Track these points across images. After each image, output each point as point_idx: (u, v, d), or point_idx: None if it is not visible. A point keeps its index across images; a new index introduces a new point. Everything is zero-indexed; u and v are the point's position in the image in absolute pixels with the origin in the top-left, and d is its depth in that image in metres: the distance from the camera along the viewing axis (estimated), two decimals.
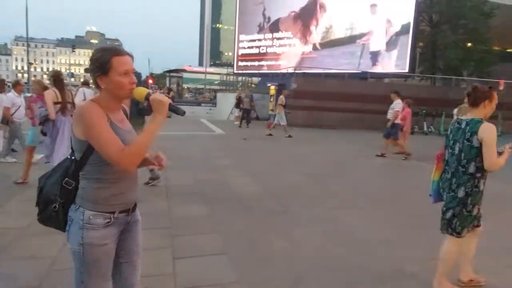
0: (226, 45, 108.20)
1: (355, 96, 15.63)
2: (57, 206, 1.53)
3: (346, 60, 20.06)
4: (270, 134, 11.76)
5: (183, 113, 1.59)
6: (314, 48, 21.96)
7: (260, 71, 24.05)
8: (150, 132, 1.47)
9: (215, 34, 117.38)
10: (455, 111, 10.89)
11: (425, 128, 15.84)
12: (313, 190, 5.33)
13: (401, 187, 5.80)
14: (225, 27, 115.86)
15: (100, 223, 1.50)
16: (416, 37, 19.39)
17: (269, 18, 23.84)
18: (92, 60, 1.50)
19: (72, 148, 1.55)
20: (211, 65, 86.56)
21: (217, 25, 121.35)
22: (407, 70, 19.00)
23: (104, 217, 1.51)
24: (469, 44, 21.34)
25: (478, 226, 2.61)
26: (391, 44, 19.49)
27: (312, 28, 21.93)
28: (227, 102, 19.56)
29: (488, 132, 2.44)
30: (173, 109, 1.56)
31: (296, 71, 18.60)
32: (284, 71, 20.27)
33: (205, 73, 54.21)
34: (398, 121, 8.34)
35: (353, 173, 6.76)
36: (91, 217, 1.49)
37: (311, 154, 8.60)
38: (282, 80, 17.73)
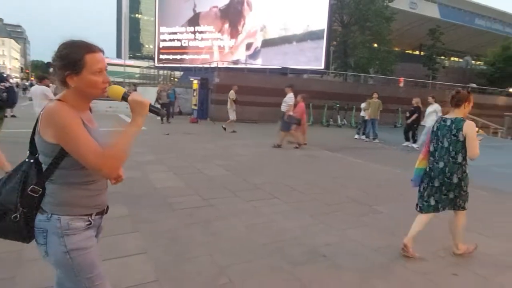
0: (146, 37, 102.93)
1: (275, 90, 16.22)
2: (18, 216, 1.36)
3: (279, 61, 20.66)
4: (234, 131, 11.74)
5: (164, 115, 1.51)
6: (248, 47, 22.20)
7: (183, 65, 23.50)
8: (131, 135, 1.39)
9: (134, 25, 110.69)
10: (363, 105, 12.02)
11: (339, 121, 17.18)
12: (234, 183, 5.42)
13: (316, 177, 6.21)
14: (145, 18, 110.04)
15: (80, 227, 1.42)
16: (330, 36, 20.88)
17: (194, 11, 23.39)
18: (60, 56, 1.36)
19: (30, 151, 1.42)
20: (130, 58, 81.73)
21: (136, 15, 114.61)
22: (322, 67, 20.37)
23: (83, 220, 1.43)
24: (375, 45, 23.68)
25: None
26: (309, 42, 20.69)
27: (240, 26, 22.16)
28: (148, 96, 18.65)
29: (470, 128, 3.00)
30: (154, 111, 1.49)
31: (218, 66, 18.54)
32: (207, 65, 20.10)
33: (124, 65, 51.07)
34: (291, 113, 8.97)
35: (272, 165, 7.04)
36: (69, 222, 1.39)
37: (233, 148, 8.72)
38: (205, 74, 17.56)
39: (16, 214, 1.36)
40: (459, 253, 3.28)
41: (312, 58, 20.53)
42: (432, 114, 9.75)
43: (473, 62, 36.10)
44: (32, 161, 1.41)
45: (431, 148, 3.23)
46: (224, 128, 11.80)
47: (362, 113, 12.08)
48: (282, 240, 3.43)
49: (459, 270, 3.00)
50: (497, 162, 8.95)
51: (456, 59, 40.85)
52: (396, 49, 30.47)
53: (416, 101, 10.94)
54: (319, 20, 20.28)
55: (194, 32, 23.50)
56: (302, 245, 3.35)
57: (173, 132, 10.75)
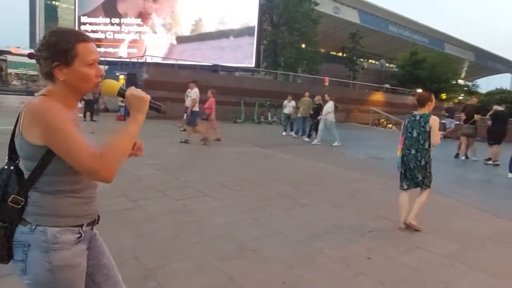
0: (65, 27, 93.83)
1: (206, 87, 16.12)
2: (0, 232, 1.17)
3: (216, 56, 20.36)
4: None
5: (165, 112, 1.34)
6: (180, 40, 21.52)
7: (107, 58, 22.04)
8: (131, 135, 1.24)
9: (51, 12, 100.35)
10: (286, 103, 12.51)
11: (270, 118, 17.70)
12: (163, 182, 5.30)
13: (246, 173, 6.36)
14: (64, 6, 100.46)
15: (70, 240, 1.22)
16: (260, 35, 21.35)
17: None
18: (47, 44, 1.18)
19: (9, 157, 1.23)
20: None
21: (53, 1, 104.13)
22: (253, 65, 20.77)
23: (73, 232, 1.23)
24: (303, 46, 24.84)
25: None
26: (240, 40, 20.93)
27: (168, 17, 21.47)
28: None
29: (435, 121, 3.87)
30: (154, 107, 1.33)
31: (147, 61, 17.79)
32: (135, 59, 19.16)
33: None
34: (196, 108, 9.06)
35: (203, 163, 7.03)
36: (57, 235, 1.19)
37: (164, 146, 8.48)
38: (132, 69, 16.73)
39: None
40: (414, 223, 3.94)
41: (244, 56, 20.80)
42: (328, 109, 10.79)
43: (387, 64, 39.89)
44: (12, 168, 1.23)
45: (404, 138, 4.05)
46: (180, 127, 11.36)
47: (285, 111, 12.57)
48: (212, 237, 3.46)
49: (372, 254, 3.33)
50: None
51: (373, 61, 44.74)
52: (322, 50, 32.30)
53: (318, 98, 11.72)
54: (250, 18, 20.62)
55: (120, 24, 22.15)
56: (232, 241, 3.42)
57: (98, 131, 10.04)
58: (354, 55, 30.78)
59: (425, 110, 3.96)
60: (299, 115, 12.35)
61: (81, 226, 1.27)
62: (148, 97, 1.30)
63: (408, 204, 3.97)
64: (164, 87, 15.12)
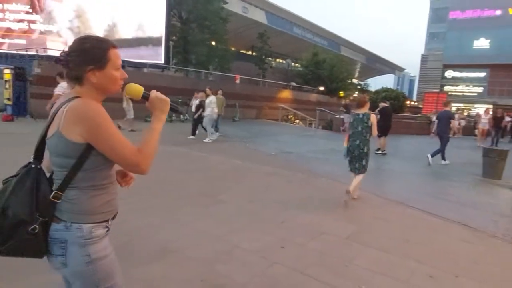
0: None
1: None
2: (37, 227, 1.25)
3: (123, 52, 18.80)
4: (133, 130, 10.34)
5: (183, 112, 1.24)
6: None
7: None
8: (158, 132, 1.41)
9: None
10: (194, 101, 12.30)
11: (182, 117, 17.36)
12: None
13: (166, 173, 6.21)
14: None
15: (101, 234, 1.37)
16: (169, 31, 20.73)
17: None
18: (80, 50, 1.30)
19: (36, 156, 1.34)
20: None
21: None
22: (163, 61, 20.10)
23: (102, 226, 1.38)
24: (214, 43, 24.89)
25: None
26: (149, 35, 20.01)
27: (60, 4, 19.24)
28: None
29: (374, 119, 5.11)
30: (173, 108, 1.51)
31: (39, 53, 15.81)
32: (23, 52, 16.84)
33: None
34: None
35: None
36: (92, 230, 1.33)
37: None
38: (20, 63, 14.68)
39: (34, 225, 1.25)
40: (355, 197, 5.25)
41: (152, 52, 19.98)
42: (211, 104, 10.87)
43: (293, 64, 42.49)
44: (39, 167, 1.33)
45: (350, 132, 5.25)
46: (119, 126, 10.22)
47: (194, 109, 12.33)
48: (131, 240, 3.35)
49: (285, 243, 3.62)
50: (310, 148, 10.96)
51: (281, 60, 47.19)
52: (233, 48, 32.86)
53: (201, 95, 11.67)
54: (158, 13, 19.86)
55: (3, 11, 19.16)
56: (152, 243, 3.35)
57: None
58: (263, 54, 32.03)
59: (365, 110, 5.17)
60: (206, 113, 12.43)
61: (107, 221, 1.41)
62: (168, 99, 1.47)
63: (353, 179, 5.23)
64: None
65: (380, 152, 10.48)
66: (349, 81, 37.91)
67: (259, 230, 3.89)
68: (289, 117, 24.33)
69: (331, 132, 17.82)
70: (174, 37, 23.64)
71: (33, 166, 1.33)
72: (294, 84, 30.22)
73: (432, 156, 9.08)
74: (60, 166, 1.30)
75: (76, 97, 1.30)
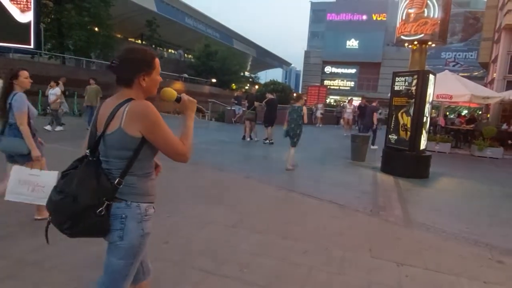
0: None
1: None
2: (103, 209, 1.50)
3: None
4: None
5: (206, 112, 1.04)
6: None
7: None
8: (192, 128, 1.71)
9: None
10: (51, 91, 11.04)
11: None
12: None
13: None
14: None
15: (151, 214, 1.65)
16: (39, 11, 17.96)
17: None
18: (136, 59, 1.57)
19: (91, 150, 1.55)
20: None
21: None
22: (32, 46, 17.38)
23: (152, 207, 1.66)
24: (96, 29, 22.59)
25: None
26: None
27: None
28: None
29: (305, 109, 7.21)
30: (199, 108, 1.83)
31: None
32: None
33: None
34: None
35: None
36: (147, 209, 1.61)
37: None
38: None
39: (101, 208, 1.49)
40: (289, 167, 7.28)
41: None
42: (54, 95, 10.80)
43: (185, 55, 41.69)
44: (95, 159, 1.56)
45: (288, 118, 7.26)
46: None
47: (52, 98, 10.93)
48: None
49: (169, 238, 3.53)
50: (202, 140, 10.95)
51: (172, 51, 45.76)
52: (119, 35, 30.41)
53: (52, 84, 11.33)
54: None
55: None
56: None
57: None
58: (152, 43, 30.51)
59: (300, 103, 7.27)
60: (84, 104, 11.44)
61: (153, 203, 1.68)
62: (195, 101, 1.78)
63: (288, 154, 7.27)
64: None
65: (267, 141, 11.10)
66: (241, 74, 39.09)
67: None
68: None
69: (223, 124, 18.13)
70: (47, 19, 20.67)
71: (90, 159, 1.56)
72: (186, 75, 29.71)
73: (373, 144, 10.85)
74: (119, 158, 1.54)
75: (130, 99, 1.54)
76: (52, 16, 21.07)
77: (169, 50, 44.89)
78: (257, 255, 3.30)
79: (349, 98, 21.62)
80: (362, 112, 14.00)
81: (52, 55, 20.72)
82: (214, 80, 32.73)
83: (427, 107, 7.60)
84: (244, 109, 15.14)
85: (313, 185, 6.34)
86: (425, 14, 8.10)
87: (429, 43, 8.45)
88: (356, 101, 18.99)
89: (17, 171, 3.23)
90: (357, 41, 50.66)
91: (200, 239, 3.57)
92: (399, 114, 7.73)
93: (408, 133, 7.56)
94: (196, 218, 4.16)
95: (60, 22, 20.91)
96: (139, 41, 37.66)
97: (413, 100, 7.43)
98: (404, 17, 8.50)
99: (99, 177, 1.51)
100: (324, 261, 3.29)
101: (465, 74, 23.93)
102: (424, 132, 7.74)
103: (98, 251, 1.99)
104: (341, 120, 19.46)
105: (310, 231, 4.03)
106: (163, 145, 1.55)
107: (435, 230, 4.41)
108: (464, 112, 22.86)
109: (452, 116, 21.32)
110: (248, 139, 11.75)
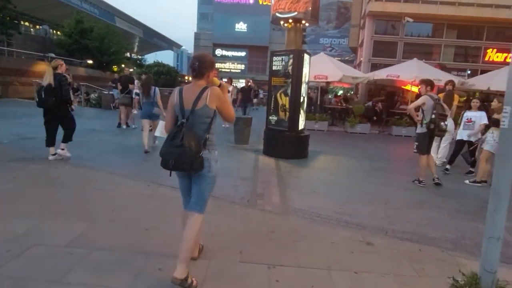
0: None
1: None
2: (202, 154, 2.45)
3: None
4: None
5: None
6: None
7: None
8: (228, 101, 2.70)
9: None
10: None
11: None
12: None
13: None
14: None
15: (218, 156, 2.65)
16: None
17: None
18: (209, 61, 2.56)
19: (185, 117, 2.47)
20: None
21: None
22: None
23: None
24: None
25: None
26: None
27: None
28: None
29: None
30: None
31: None
32: None
33: None
34: None
35: None
36: (217, 153, 2.60)
37: None
38: None
39: (201, 153, 2.44)
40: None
41: None
42: None
43: (53, 32, 35.67)
44: (185, 123, 2.45)
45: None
46: None
47: None
48: None
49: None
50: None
51: (38, 27, 38.79)
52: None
53: None
54: None
55: None
56: None
57: None
58: (6, 15, 25.04)
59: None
60: None
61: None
62: (227, 84, 3.78)
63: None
64: None
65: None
66: (125, 55, 35.55)
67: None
68: None
69: (100, 110, 16.00)
70: None
71: (184, 123, 2.45)
72: (53, 55, 25.34)
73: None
74: (203, 123, 2.49)
75: (206, 87, 2.48)
76: None
77: (34, 26, 37.98)
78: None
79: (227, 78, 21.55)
80: (245, 93, 13.90)
81: None
82: (90, 62, 28.93)
83: (304, 87, 7.59)
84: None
85: None
86: None
87: (303, 22, 8.45)
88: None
89: (161, 124, 6.10)
90: (246, 25, 51.24)
91: (12, 272, 2.54)
92: (278, 95, 7.57)
93: (287, 113, 7.46)
94: (21, 238, 3.07)
95: None
96: None
97: (290, 79, 7.31)
98: None
99: (198, 136, 2.44)
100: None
101: (339, 58, 26.22)
102: (302, 112, 7.76)
103: None
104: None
105: (172, 238, 3.34)
106: (226, 113, 2.58)
107: (310, 215, 4.23)
108: (340, 92, 25.12)
109: (330, 97, 23.17)
110: (124, 126, 10.39)
